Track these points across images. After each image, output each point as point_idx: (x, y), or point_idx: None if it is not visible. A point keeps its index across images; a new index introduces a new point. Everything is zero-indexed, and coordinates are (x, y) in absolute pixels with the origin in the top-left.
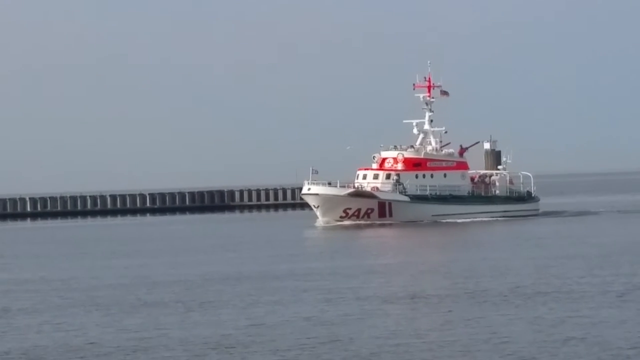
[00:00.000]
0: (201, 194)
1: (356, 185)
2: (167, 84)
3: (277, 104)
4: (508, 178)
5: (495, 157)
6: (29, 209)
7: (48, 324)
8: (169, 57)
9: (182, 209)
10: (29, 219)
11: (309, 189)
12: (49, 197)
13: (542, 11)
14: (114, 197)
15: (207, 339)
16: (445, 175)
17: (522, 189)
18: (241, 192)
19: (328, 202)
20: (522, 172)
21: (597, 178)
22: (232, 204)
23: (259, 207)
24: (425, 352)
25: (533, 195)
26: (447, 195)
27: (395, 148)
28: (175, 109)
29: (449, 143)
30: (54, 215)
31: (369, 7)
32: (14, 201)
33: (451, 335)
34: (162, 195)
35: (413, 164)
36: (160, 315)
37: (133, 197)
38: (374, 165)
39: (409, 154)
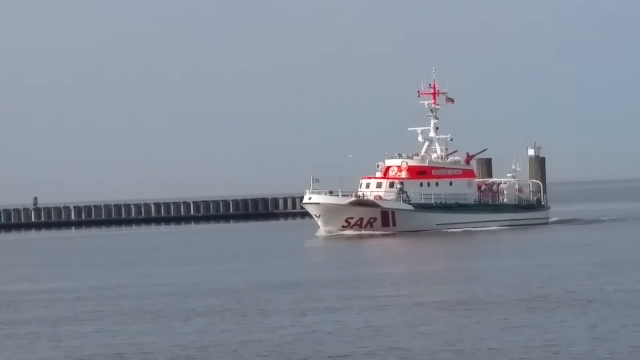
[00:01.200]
0: (245, 202)
1: (359, 194)
2: (193, 90)
3: (278, 111)
4: (517, 186)
5: (540, 164)
6: (73, 218)
7: (100, 333)
8: (201, 64)
9: (226, 217)
10: (73, 228)
11: (310, 199)
12: (94, 206)
13: (545, 16)
14: (158, 205)
15: (263, 347)
16: (451, 184)
17: (532, 197)
18: (285, 199)
19: (330, 211)
20: (532, 181)
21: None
22: (276, 212)
23: (302, 215)
24: (492, 357)
25: (543, 203)
26: (453, 204)
27: (400, 156)
28: (202, 115)
29: (456, 151)
30: (98, 224)
31: (372, 13)
32: (58, 210)
33: (509, 342)
34: (207, 204)
35: (418, 173)
36: (213, 324)
37: (177, 205)
38: (378, 174)
39: (413, 162)
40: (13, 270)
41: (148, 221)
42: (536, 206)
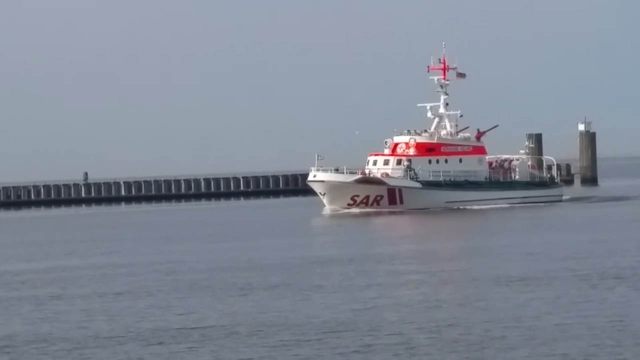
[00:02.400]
0: (294, 177)
1: (366, 171)
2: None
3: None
4: (530, 163)
5: (590, 139)
6: (123, 193)
7: (157, 308)
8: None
9: (276, 192)
10: (123, 203)
11: (314, 176)
12: (143, 181)
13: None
14: (207, 181)
15: (324, 321)
16: (460, 161)
17: (545, 174)
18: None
19: (335, 189)
20: (545, 157)
21: None
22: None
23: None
24: (556, 333)
25: (556, 180)
26: (462, 181)
27: (409, 133)
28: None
29: (467, 127)
30: (148, 199)
31: None
32: (108, 185)
33: (576, 317)
34: (256, 179)
35: (426, 149)
36: (271, 298)
37: (227, 180)
38: (386, 151)
39: (421, 138)
40: (67, 245)
41: (198, 196)
42: (549, 183)
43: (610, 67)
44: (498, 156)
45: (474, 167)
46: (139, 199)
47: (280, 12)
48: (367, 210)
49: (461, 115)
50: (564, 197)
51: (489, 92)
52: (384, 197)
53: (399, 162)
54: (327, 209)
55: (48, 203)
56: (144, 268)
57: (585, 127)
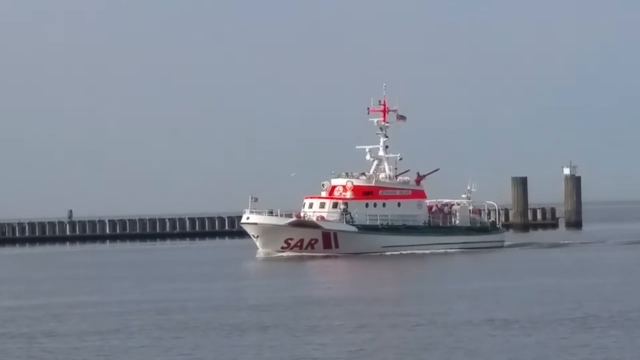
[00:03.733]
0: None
1: (301, 214)
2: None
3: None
4: (471, 208)
5: (575, 183)
6: (108, 231)
7: (149, 348)
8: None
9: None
10: (108, 241)
11: (247, 218)
12: (128, 220)
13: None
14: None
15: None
16: (399, 205)
17: (486, 219)
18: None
19: (268, 232)
20: (487, 202)
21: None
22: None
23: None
24: None
25: (498, 226)
26: (400, 225)
27: (347, 175)
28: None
29: (408, 170)
30: (132, 237)
31: (327, 23)
32: (93, 223)
33: None
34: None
35: (363, 193)
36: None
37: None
38: (324, 193)
39: (359, 181)
40: (55, 283)
41: (182, 235)
42: (490, 229)
43: (594, 111)
44: (439, 200)
45: (412, 211)
46: (123, 237)
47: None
48: (301, 254)
49: (400, 159)
50: (505, 243)
51: (432, 135)
52: (318, 240)
53: (335, 205)
54: (260, 252)
55: (32, 240)
56: (135, 306)
57: (570, 171)
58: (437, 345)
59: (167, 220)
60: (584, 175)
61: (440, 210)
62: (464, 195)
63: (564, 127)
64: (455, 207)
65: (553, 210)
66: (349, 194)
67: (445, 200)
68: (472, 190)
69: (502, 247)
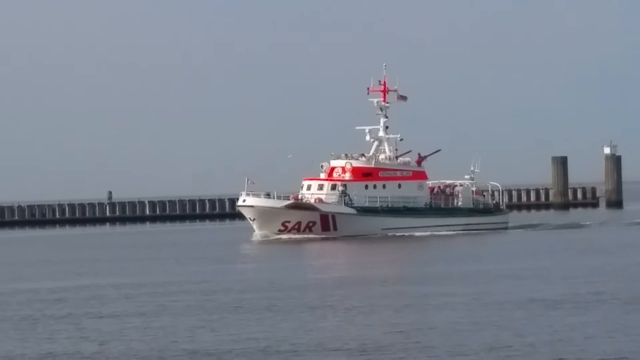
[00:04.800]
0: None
1: (299, 196)
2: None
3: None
4: (474, 189)
5: (615, 162)
6: (147, 212)
7: (204, 328)
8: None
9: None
10: (147, 222)
11: (244, 201)
12: (168, 201)
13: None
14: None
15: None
16: (399, 186)
17: (490, 200)
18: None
19: (264, 214)
20: (491, 182)
21: None
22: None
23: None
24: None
25: (501, 207)
26: (401, 207)
27: (346, 156)
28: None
29: (410, 151)
30: (172, 218)
31: (327, 3)
32: (132, 204)
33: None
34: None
35: (362, 174)
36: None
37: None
38: (322, 175)
39: (358, 163)
40: (96, 264)
41: (222, 216)
42: (493, 210)
43: (636, 90)
44: (441, 181)
45: (413, 192)
46: (163, 218)
47: (215, 31)
48: (299, 236)
49: (401, 139)
50: (509, 225)
51: (437, 115)
52: (316, 223)
53: (333, 187)
54: (257, 234)
55: (73, 222)
56: (177, 287)
57: (610, 151)
58: (485, 325)
59: (207, 201)
60: (625, 154)
61: (442, 191)
62: (467, 176)
63: (604, 106)
64: (457, 188)
65: (593, 190)
66: (347, 176)
67: (448, 182)
68: (476, 170)
69: (506, 229)
